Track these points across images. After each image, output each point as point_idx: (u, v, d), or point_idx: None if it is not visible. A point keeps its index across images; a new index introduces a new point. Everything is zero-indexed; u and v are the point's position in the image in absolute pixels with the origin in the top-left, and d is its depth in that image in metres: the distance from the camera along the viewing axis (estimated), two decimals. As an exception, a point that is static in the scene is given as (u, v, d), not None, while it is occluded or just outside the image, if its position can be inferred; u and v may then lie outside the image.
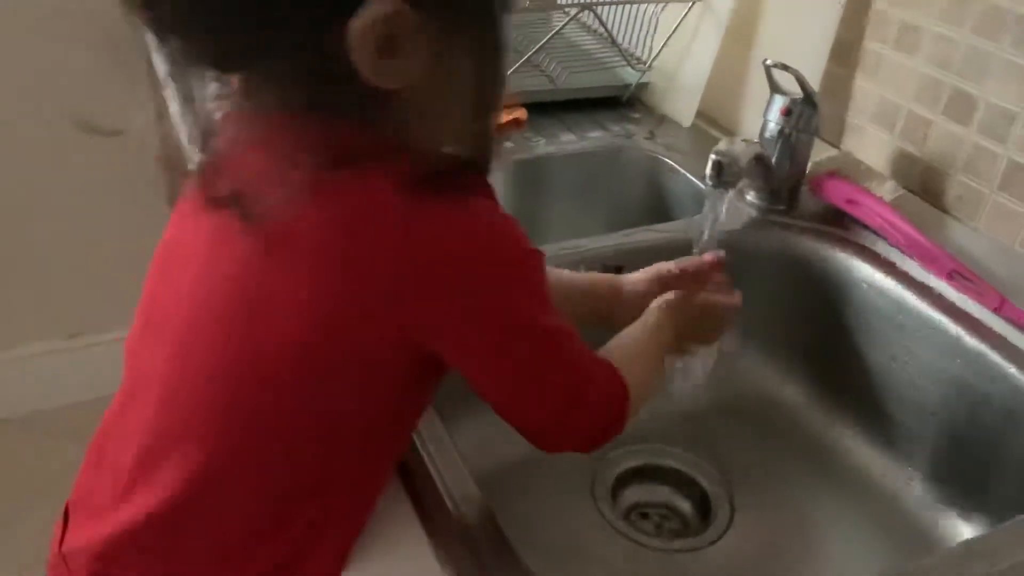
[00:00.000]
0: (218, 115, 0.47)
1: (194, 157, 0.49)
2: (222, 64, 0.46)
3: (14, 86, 1.43)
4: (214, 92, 0.46)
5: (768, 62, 0.81)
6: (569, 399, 0.50)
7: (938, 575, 0.53)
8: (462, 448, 0.58)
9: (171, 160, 0.50)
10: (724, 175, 0.67)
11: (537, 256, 0.48)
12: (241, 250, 0.47)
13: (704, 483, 0.78)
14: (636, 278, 0.66)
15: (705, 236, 0.68)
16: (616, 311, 0.65)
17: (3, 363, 1.79)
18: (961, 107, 0.80)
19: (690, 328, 0.63)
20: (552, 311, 0.49)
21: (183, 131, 0.50)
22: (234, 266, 0.48)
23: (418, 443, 0.57)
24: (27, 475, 1.68)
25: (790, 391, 0.86)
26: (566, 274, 0.66)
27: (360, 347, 0.46)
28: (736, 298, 0.67)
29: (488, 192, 0.48)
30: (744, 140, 0.71)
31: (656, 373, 0.60)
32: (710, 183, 0.68)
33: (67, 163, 1.46)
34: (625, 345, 0.59)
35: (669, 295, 0.63)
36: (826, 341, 0.83)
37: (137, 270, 0.57)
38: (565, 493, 0.76)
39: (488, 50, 0.46)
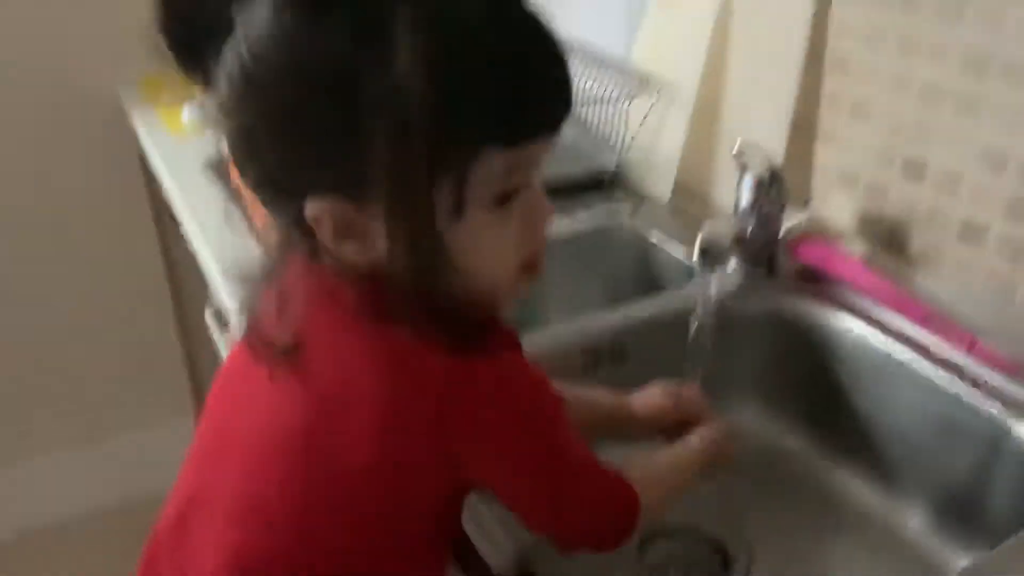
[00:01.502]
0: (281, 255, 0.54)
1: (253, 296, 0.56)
2: (267, 210, 0.54)
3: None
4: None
5: (734, 150, 0.89)
6: (586, 520, 0.59)
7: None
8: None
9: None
10: (710, 257, 0.74)
11: (560, 403, 0.56)
12: (302, 393, 0.53)
13: (722, 537, 0.84)
14: (646, 408, 0.74)
15: (700, 312, 0.75)
16: (626, 429, 0.74)
17: None
18: (913, 169, 0.88)
19: (709, 465, 0.71)
20: (574, 445, 0.57)
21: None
22: (295, 403, 0.53)
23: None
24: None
25: (791, 441, 0.92)
26: (579, 394, 0.72)
27: (410, 483, 0.53)
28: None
29: (514, 344, 0.54)
30: (722, 220, 0.79)
31: (675, 496, 0.68)
32: (698, 265, 0.75)
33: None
34: (657, 464, 0.67)
35: (719, 428, 0.72)
36: (819, 391, 0.90)
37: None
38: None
39: (429, 246, 0.48)
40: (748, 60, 1.03)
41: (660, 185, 1.12)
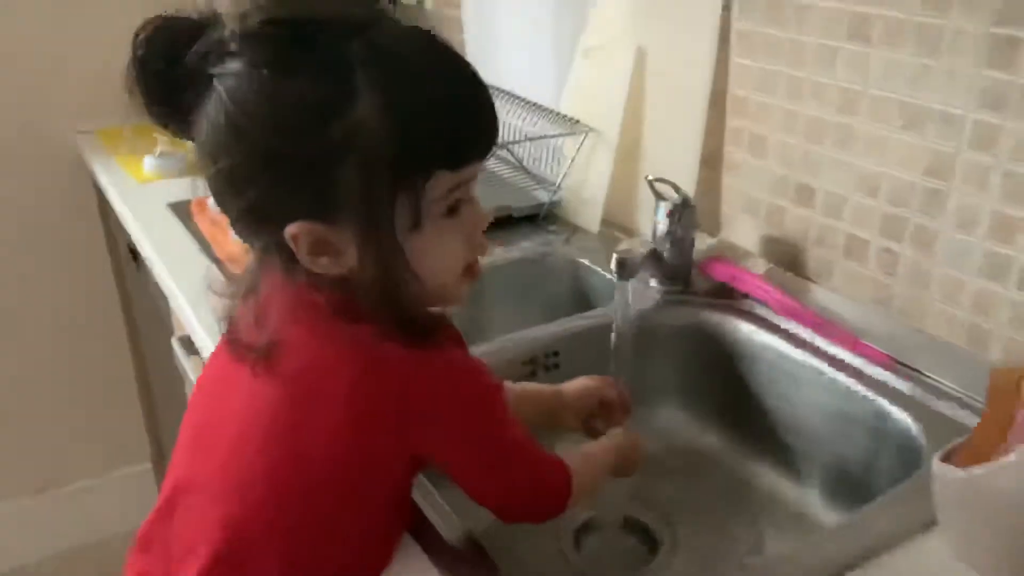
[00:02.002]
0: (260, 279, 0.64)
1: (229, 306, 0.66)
2: (243, 237, 0.64)
3: None
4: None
5: (649, 177, 1.01)
6: (525, 490, 0.69)
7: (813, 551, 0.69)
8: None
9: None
10: (625, 270, 0.86)
11: (499, 387, 0.67)
12: (278, 388, 0.62)
13: (648, 522, 0.94)
14: (574, 391, 0.85)
15: (619, 319, 0.86)
16: (561, 415, 0.85)
17: None
18: (804, 196, 1.02)
19: (625, 465, 0.82)
20: (513, 425, 0.67)
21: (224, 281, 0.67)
22: (271, 397, 0.62)
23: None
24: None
25: (708, 439, 1.04)
26: (518, 387, 0.84)
27: (376, 456, 0.63)
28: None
29: (458, 339, 0.65)
30: (638, 240, 0.91)
31: (600, 480, 0.79)
32: (616, 277, 0.87)
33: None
34: (586, 453, 0.78)
35: (634, 434, 0.82)
36: (730, 392, 1.02)
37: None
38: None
39: (390, 256, 0.59)
40: (662, 104, 1.16)
41: (590, 217, 1.24)
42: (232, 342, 0.65)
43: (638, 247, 0.89)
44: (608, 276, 1.12)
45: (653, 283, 1.08)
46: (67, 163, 1.70)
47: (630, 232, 1.22)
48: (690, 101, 1.10)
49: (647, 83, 1.17)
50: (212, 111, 0.58)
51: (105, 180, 1.52)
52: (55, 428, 1.86)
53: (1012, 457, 0.62)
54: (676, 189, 1.02)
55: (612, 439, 0.82)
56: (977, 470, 0.63)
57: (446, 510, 0.72)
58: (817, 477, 0.94)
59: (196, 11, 0.60)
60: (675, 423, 1.06)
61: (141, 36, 0.59)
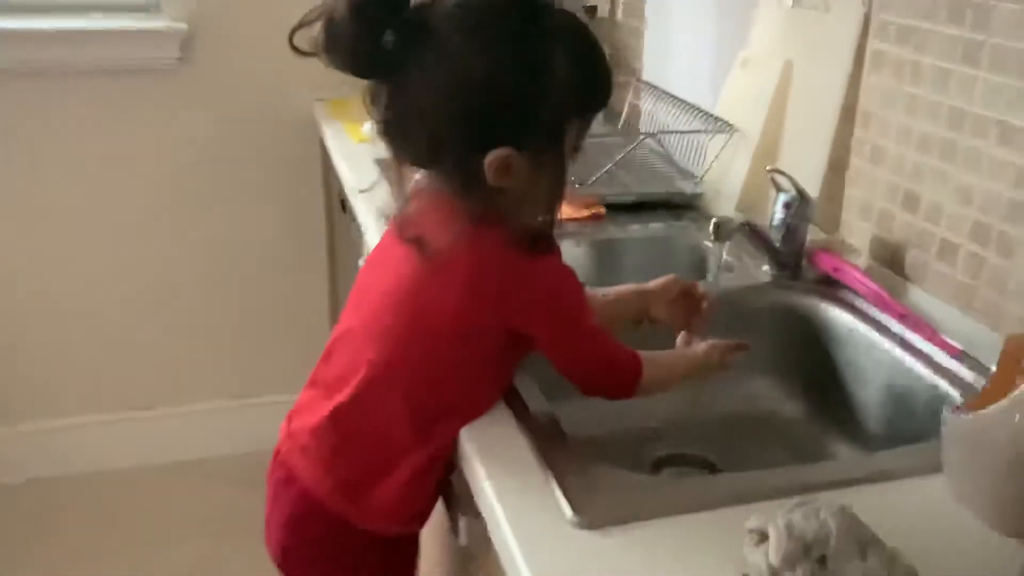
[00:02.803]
0: (414, 189, 0.86)
1: (397, 211, 0.88)
2: (416, 163, 0.85)
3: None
4: (414, 176, 0.86)
5: (769, 168, 1.15)
6: (601, 366, 0.87)
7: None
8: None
9: (384, 210, 0.89)
10: (721, 233, 1.01)
11: (581, 288, 0.86)
12: (416, 266, 0.83)
13: (717, 462, 1.08)
14: (657, 282, 1.02)
15: (711, 274, 1.02)
16: (648, 304, 1.02)
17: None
18: (910, 203, 1.12)
19: (708, 373, 0.96)
20: (592, 318, 0.86)
21: (394, 196, 0.89)
22: (411, 272, 0.84)
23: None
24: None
25: (791, 407, 1.16)
26: (607, 291, 1.02)
27: (478, 323, 0.83)
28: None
29: (557, 252, 0.85)
30: (736, 214, 1.05)
31: (674, 379, 0.94)
32: (712, 239, 1.03)
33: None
34: (663, 354, 0.95)
35: (721, 344, 0.96)
36: (816, 369, 1.13)
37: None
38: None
39: (558, 173, 0.83)
40: (799, 113, 1.29)
41: (725, 208, 1.39)
42: (398, 228, 0.87)
43: (733, 216, 1.04)
44: (726, 256, 1.27)
45: (765, 267, 1.21)
46: (303, 125, 2.04)
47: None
48: (823, 112, 1.23)
49: (790, 93, 1.31)
50: (435, 61, 0.77)
51: (330, 139, 1.83)
52: (255, 343, 2.21)
53: (1004, 403, 0.73)
54: (793, 183, 1.16)
55: (697, 348, 0.96)
56: (972, 413, 0.75)
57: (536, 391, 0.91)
58: (875, 442, 1.04)
59: None
60: (762, 391, 1.19)
61: None
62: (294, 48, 0.78)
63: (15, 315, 2.05)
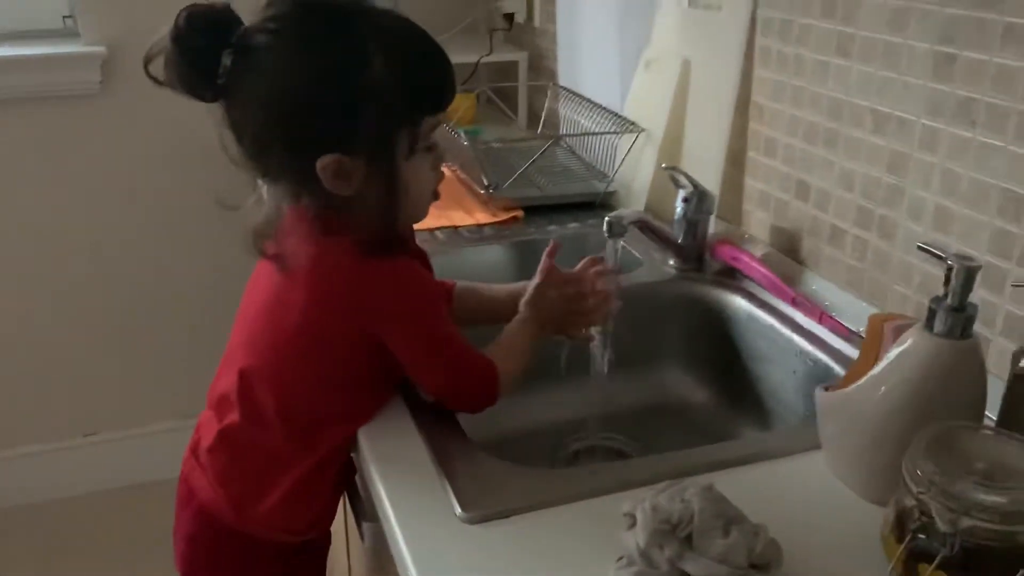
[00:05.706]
0: (281, 207, 0.86)
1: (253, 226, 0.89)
2: (263, 177, 0.85)
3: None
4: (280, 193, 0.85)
5: (664, 166, 1.19)
6: (456, 380, 0.87)
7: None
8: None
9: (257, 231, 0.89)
10: (613, 230, 1.04)
11: (436, 292, 0.87)
12: (279, 279, 0.85)
13: (631, 452, 1.11)
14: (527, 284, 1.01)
15: (610, 264, 1.05)
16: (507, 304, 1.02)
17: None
18: (802, 191, 1.16)
19: (554, 316, 0.97)
20: (447, 323, 0.87)
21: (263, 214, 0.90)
22: (274, 285, 0.86)
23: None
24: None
25: (701, 395, 1.20)
26: (484, 289, 1.04)
27: (330, 331, 0.84)
28: (606, 286, 0.99)
29: (406, 253, 0.86)
30: (633, 210, 1.09)
31: (525, 355, 0.94)
32: (606, 235, 1.06)
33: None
34: (501, 341, 0.94)
35: (529, 292, 0.97)
36: (722, 356, 1.17)
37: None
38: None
39: (390, 177, 0.81)
40: (698, 110, 1.33)
41: (635, 204, 1.43)
42: (254, 244, 0.86)
43: (627, 214, 1.07)
44: (635, 254, 1.30)
45: (671, 261, 1.25)
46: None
47: (667, 220, 1.39)
48: (720, 107, 1.27)
49: (689, 91, 1.35)
50: (255, 77, 0.78)
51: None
52: (203, 362, 2.21)
53: (865, 380, 0.77)
54: (689, 179, 1.20)
55: (522, 311, 0.96)
56: (838, 390, 0.78)
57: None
58: (761, 420, 1.09)
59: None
60: (674, 380, 1.22)
61: (183, 16, 0.77)
62: (151, 78, 0.79)
63: (-51, 347, 2.04)
